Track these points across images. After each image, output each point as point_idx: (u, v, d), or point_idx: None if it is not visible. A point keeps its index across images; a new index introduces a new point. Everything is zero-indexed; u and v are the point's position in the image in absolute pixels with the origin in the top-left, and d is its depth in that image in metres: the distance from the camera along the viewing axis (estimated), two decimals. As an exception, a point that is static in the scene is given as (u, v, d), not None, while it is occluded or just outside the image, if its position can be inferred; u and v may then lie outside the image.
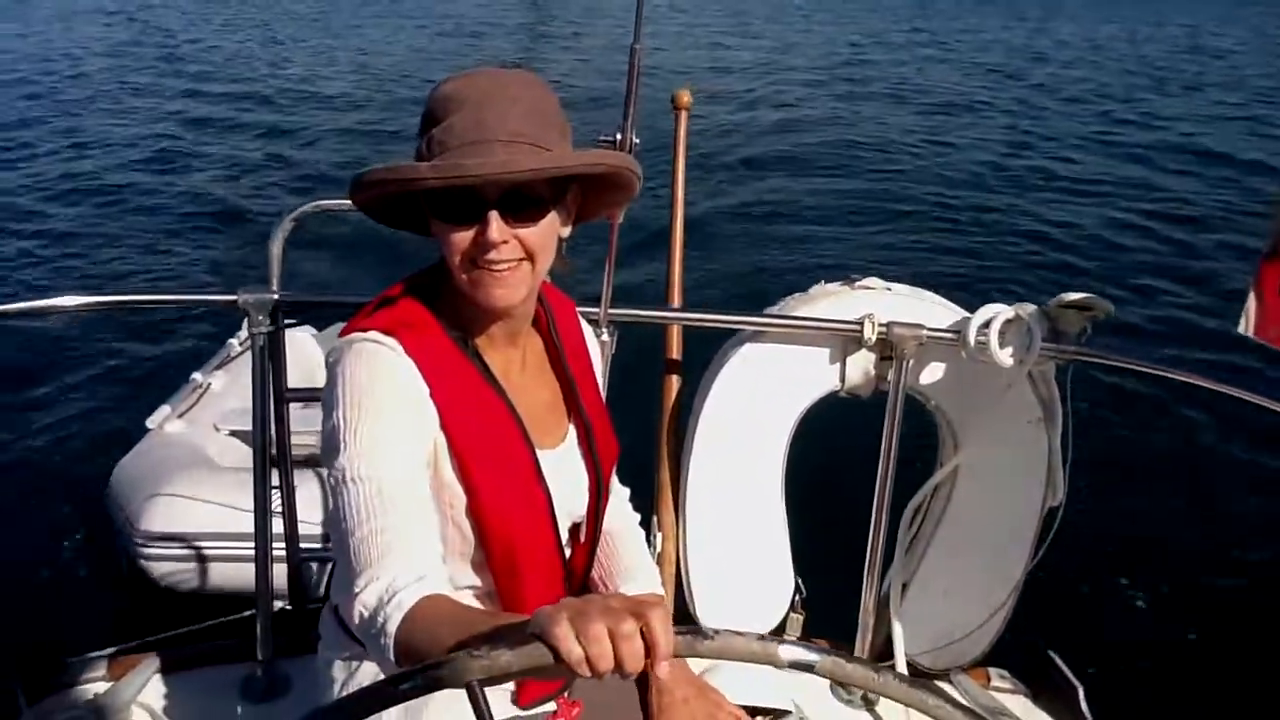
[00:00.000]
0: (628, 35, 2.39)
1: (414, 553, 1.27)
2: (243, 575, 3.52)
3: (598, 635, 0.88)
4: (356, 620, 1.24)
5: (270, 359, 2.38)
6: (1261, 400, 2.09)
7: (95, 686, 2.42)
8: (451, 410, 1.41)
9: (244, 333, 4.70)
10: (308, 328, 4.71)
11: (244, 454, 4.20)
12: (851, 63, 22.74)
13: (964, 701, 0.97)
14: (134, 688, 2.39)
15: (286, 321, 2.35)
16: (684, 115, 2.79)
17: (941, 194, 11.33)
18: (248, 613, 3.22)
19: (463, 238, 1.34)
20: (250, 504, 3.47)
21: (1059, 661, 2.62)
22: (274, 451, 2.49)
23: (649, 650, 0.89)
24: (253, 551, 2.59)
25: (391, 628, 1.17)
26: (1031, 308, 2.30)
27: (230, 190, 10.88)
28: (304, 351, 4.65)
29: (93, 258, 8.69)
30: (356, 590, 1.24)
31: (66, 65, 19.82)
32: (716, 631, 0.96)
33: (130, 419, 4.37)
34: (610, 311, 2.43)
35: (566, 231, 1.47)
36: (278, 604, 2.52)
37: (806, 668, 0.96)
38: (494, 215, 1.32)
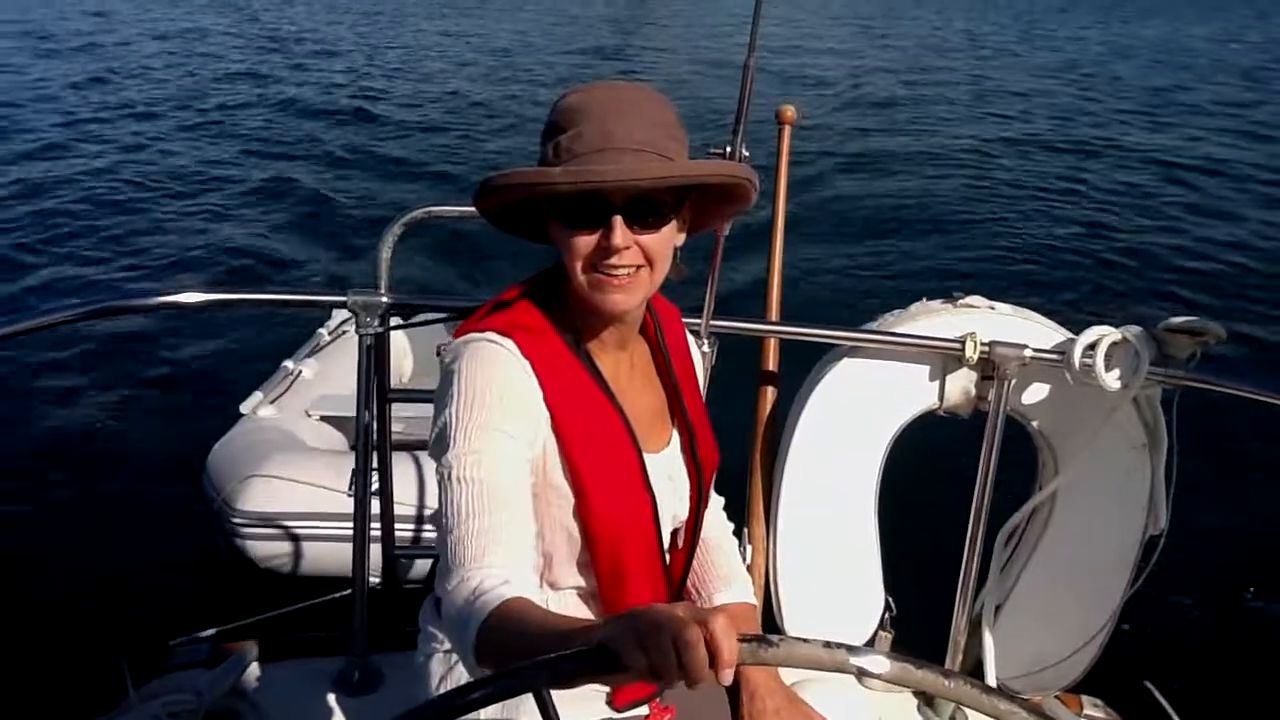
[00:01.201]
0: (732, 46, 2.40)
1: (506, 556, 1.30)
2: (335, 556, 3.62)
3: (662, 644, 0.90)
4: (447, 615, 1.28)
5: (377, 359, 2.44)
6: None
7: (196, 672, 2.50)
8: (563, 412, 1.44)
9: (333, 322, 4.84)
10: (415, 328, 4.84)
11: (335, 439, 4.33)
12: (957, 75, 22.43)
13: None
14: (233, 675, 2.47)
15: (394, 323, 2.42)
16: (787, 130, 2.80)
17: (1048, 211, 11.11)
18: (342, 593, 3.31)
19: (586, 242, 1.37)
20: (343, 485, 3.61)
21: (1155, 692, 2.56)
22: (375, 448, 2.55)
23: (713, 658, 0.90)
24: (346, 532, 2.65)
25: (474, 626, 1.20)
26: (1139, 330, 2.26)
27: (338, 190, 11.14)
28: (405, 349, 4.77)
29: (201, 253, 9.00)
30: (449, 587, 1.29)
31: (181, 59, 20.55)
32: (781, 638, 0.96)
33: (226, 406, 4.50)
34: (711, 323, 2.44)
35: (681, 239, 1.49)
36: (373, 590, 2.58)
37: (874, 674, 0.95)
38: (618, 221, 1.35)
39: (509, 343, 1.43)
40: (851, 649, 0.95)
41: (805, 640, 0.96)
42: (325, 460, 3.93)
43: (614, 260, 1.37)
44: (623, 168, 1.32)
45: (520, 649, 1.13)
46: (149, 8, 30.17)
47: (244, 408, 4.32)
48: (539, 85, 18.73)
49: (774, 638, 0.96)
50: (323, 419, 4.37)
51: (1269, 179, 12.87)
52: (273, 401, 4.37)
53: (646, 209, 1.37)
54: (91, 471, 5.29)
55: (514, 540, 1.33)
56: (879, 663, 0.96)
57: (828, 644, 0.95)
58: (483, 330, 1.45)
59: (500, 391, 1.39)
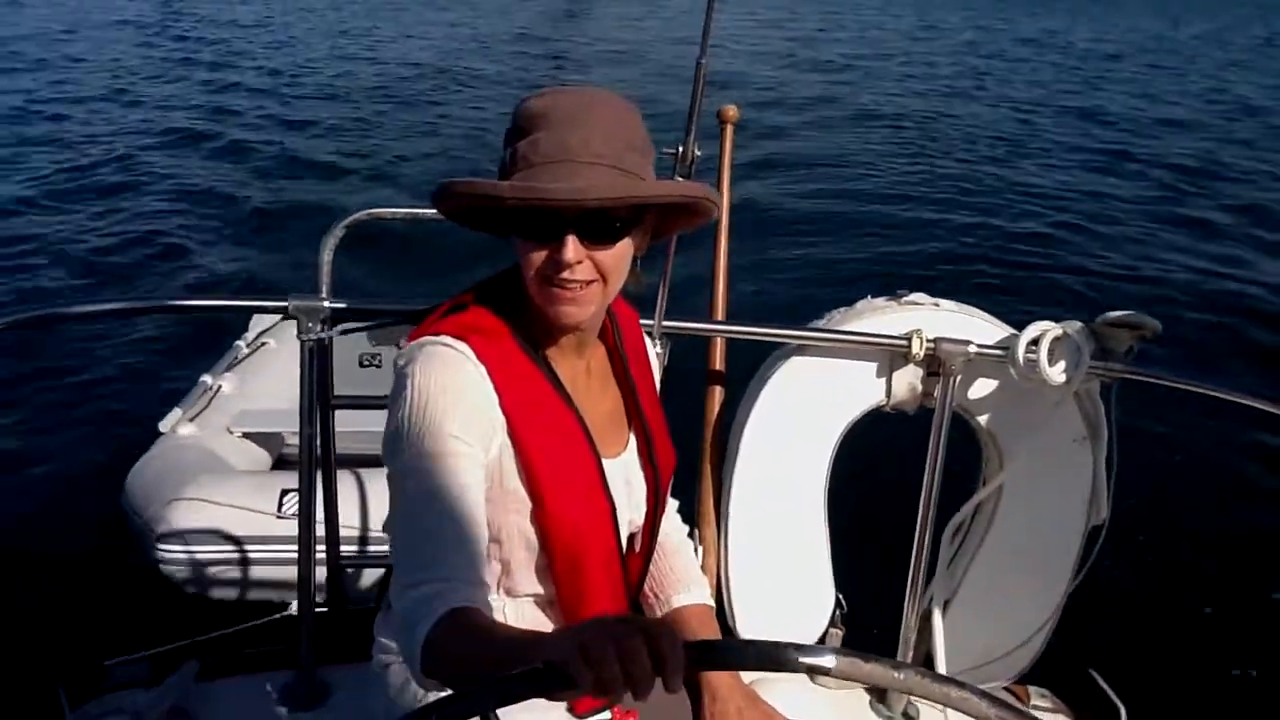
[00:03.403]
0: (684, 49, 2.40)
1: (456, 565, 1.28)
2: (266, 577, 3.53)
3: (607, 658, 0.89)
4: (395, 622, 1.27)
5: (319, 366, 2.41)
6: None
7: (136, 691, 2.44)
8: (520, 417, 1.43)
9: (251, 333, 4.71)
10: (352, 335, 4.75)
11: (260, 457, 4.20)
12: (899, 73, 22.66)
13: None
14: (175, 692, 2.41)
15: (338, 329, 2.38)
16: (730, 130, 2.80)
17: (991, 209, 11.25)
18: (284, 614, 3.24)
19: (538, 255, 1.36)
20: (271, 506, 3.52)
21: (1101, 681, 2.60)
22: (319, 456, 2.51)
23: (660, 667, 0.90)
24: (275, 554, 2.59)
25: (420, 634, 1.19)
26: (1079, 325, 2.29)
27: (277, 192, 10.99)
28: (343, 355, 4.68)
29: (130, 259, 8.79)
30: (396, 594, 1.28)
31: (108, 58, 20.16)
32: (728, 642, 0.98)
33: (143, 419, 4.36)
34: (664, 324, 2.44)
35: (642, 249, 1.48)
36: (318, 608, 2.54)
37: (823, 670, 0.96)
38: (571, 237, 1.33)
39: (464, 346, 1.41)
40: (799, 648, 0.96)
41: (752, 642, 0.96)
42: (251, 480, 3.80)
43: (566, 275, 1.36)
44: (571, 185, 1.30)
45: (467, 660, 1.13)
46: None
47: (163, 426, 4.14)
48: (484, 85, 18.65)
49: (720, 642, 0.96)
50: (245, 435, 4.20)
51: (1212, 173, 13.15)
52: (192, 419, 4.18)
53: (600, 224, 1.35)
54: (10, 491, 5.11)
55: (464, 548, 1.31)
56: (828, 659, 0.96)
57: (775, 644, 0.96)
58: (438, 333, 1.43)
59: (454, 397, 1.37)
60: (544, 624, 1.58)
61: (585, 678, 0.89)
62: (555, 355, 1.51)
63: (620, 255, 1.39)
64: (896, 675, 0.97)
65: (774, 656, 0.96)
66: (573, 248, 1.34)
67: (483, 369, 1.41)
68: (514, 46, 25.11)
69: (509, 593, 1.56)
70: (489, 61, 22.17)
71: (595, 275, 1.38)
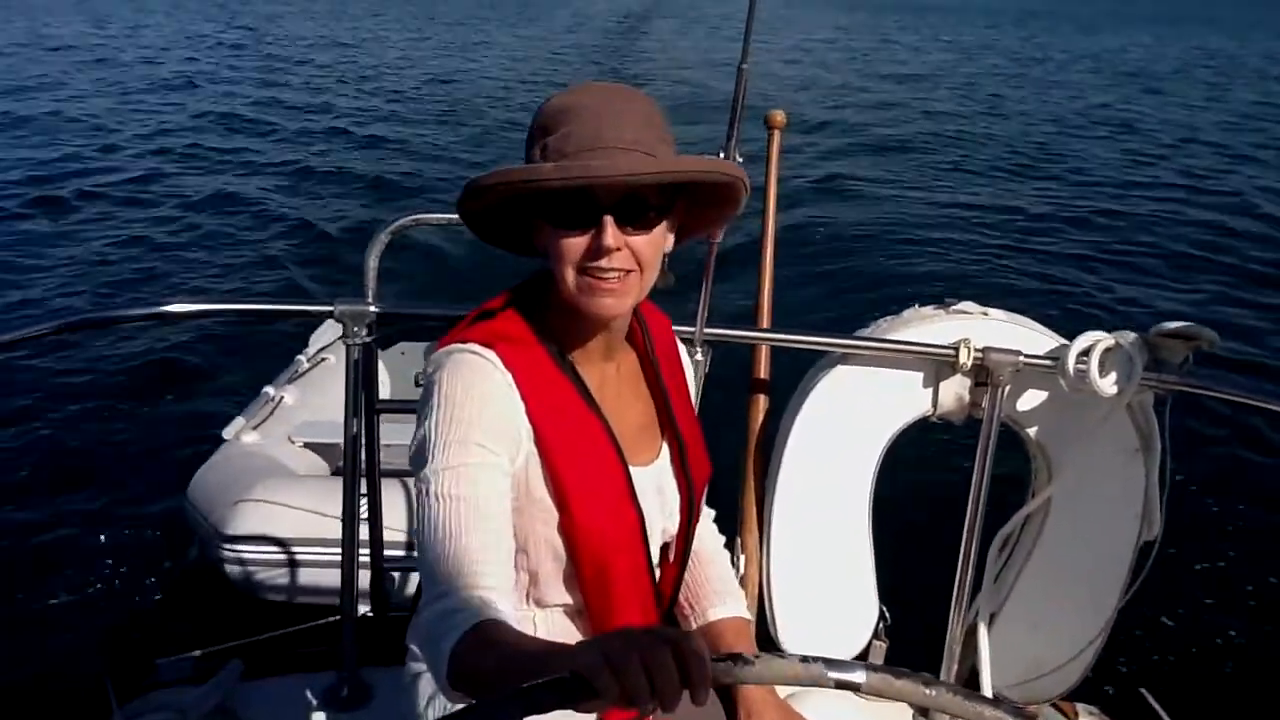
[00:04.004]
0: (727, 53, 2.38)
1: (483, 576, 1.28)
2: (322, 581, 3.60)
3: (633, 668, 0.88)
4: (421, 634, 1.26)
5: (364, 370, 2.42)
6: None
7: (182, 689, 2.47)
8: (546, 426, 1.41)
9: (312, 348, 4.89)
10: (402, 342, 4.82)
11: (319, 465, 4.36)
12: (951, 82, 22.52)
13: None
14: (220, 691, 2.43)
15: (383, 333, 2.39)
16: (777, 135, 2.77)
17: (1040, 217, 11.14)
18: (330, 619, 3.26)
19: (576, 244, 1.35)
20: (330, 510, 3.58)
21: (1151, 700, 2.55)
22: (364, 462, 2.52)
23: (687, 680, 0.89)
24: (333, 557, 2.60)
25: (446, 647, 1.19)
26: (1132, 336, 2.25)
27: (324, 201, 11.13)
28: (396, 365, 4.76)
29: (184, 266, 8.99)
30: (423, 605, 1.27)
31: (165, 68, 20.51)
32: (757, 655, 0.95)
33: (206, 425, 4.51)
34: (705, 331, 2.42)
35: (670, 245, 1.47)
36: (362, 610, 2.55)
37: (853, 686, 0.94)
38: (609, 220, 1.32)
39: (491, 354, 1.40)
40: (829, 662, 0.94)
41: (782, 656, 0.95)
42: (311, 485, 3.94)
43: (604, 262, 1.34)
44: (616, 164, 1.29)
45: (493, 673, 1.12)
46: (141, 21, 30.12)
47: (226, 433, 4.34)
48: (529, 95, 18.76)
49: (749, 655, 0.95)
50: (306, 445, 4.39)
51: (1260, 186, 12.92)
52: (255, 427, 4.38)
53: (637, 209, 1.34)
54: (72, 489, 5.25)
55: (491, 560, 1.31)
56: (859, 675, 0.94)
57: (804, 658, 0.94)
58: (465, 341, 1.42)
59: (481, 405, 1.37)
60: (573, 634, 1.56)
61: (611, 688, 0.88)
62: (583, 362, 1.50)
63: (656, 243, 1.39)
64: (928, 692, 0.95)
65: (804, 672, 0.94)
66: (612, 232, 1.33)
67: (509, 376, 1.40)
68: (571, 62, 25.26)
69: (538, 603, 1.54)
70: (543, 76, 22.32)
71: (633, 264, 1.37)
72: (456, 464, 1.33)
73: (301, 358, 4.90)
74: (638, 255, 1.36)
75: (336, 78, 21.46)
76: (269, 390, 4.65)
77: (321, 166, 12.87)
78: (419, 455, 1.37)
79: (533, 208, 1.38)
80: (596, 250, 1.34)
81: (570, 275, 1.37)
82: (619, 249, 1.34)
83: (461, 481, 1.32)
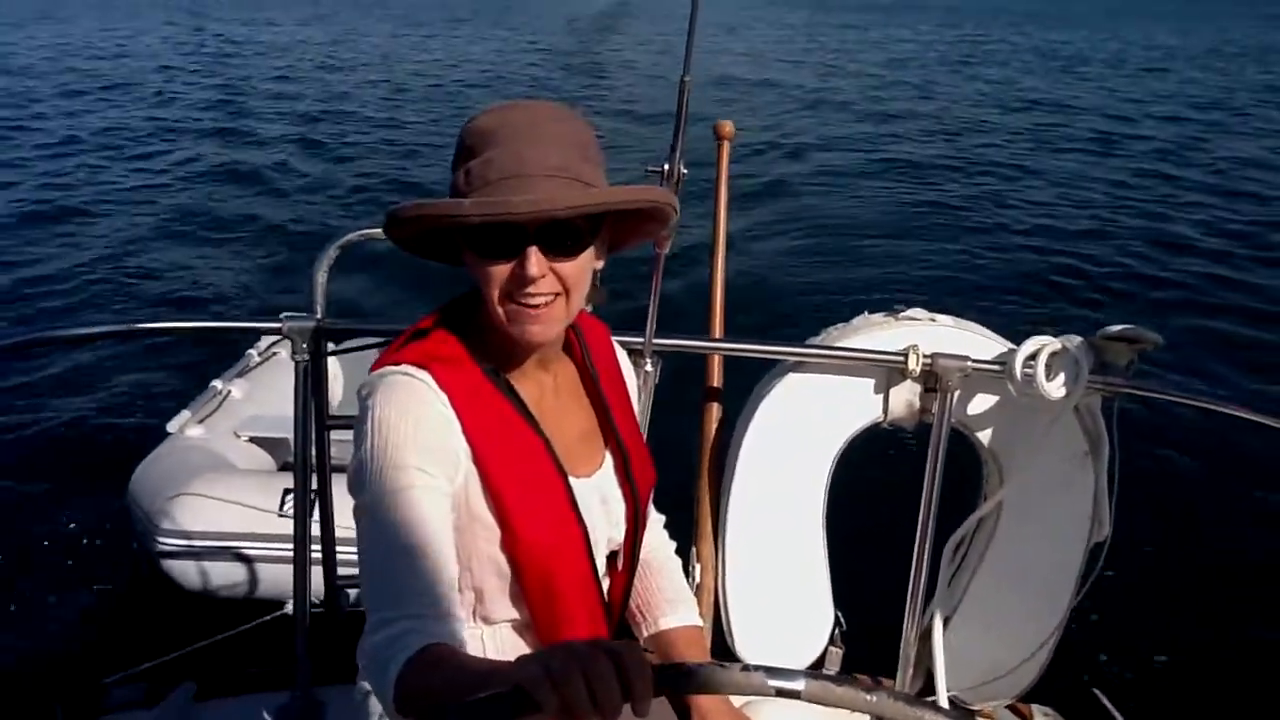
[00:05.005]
0: (676, 66, 2.39)
1: (423, 601, 1.27)
2: (268, 577, 3.56)
3: (574, 681, 0.89)
4: (364, 660, 1.26)
5: (314, 385, 2.39)
6: None
7: (134, 712, 2.43)
8: (483, 443, 1.41)
9: (264, 343, 4.78)
10: (355, 353, 4.78)
11: (263, 459, 4.28)
12: (894, 90, 22.74)
13: None
14: (173, 714, 2.40)
15: (330, 348, 2.38)
16: (726, 145, 2.79)
17: (986, 224, 11.27)
18: (278, 613, 3.22)
19: (500, 272, 1.34)
20: (274, 506, 3.54)
21: (1104, 699, 2.58)
22: (314, 476, 2.50)
23: (628, 691, 0.90)
24: (276, 553, 2.59)
25: (393, 672, 1.18)
26: (1078, 340, 2.28)
27: (275, 212, 11.04)
28: (357, 371, 4.71)
29: (131, 279, 8.85)
30: (368, 631, 1.27)
31: (106, 77, 20.25)
32: (698, 665, 0.96)
33: (151, 431, 4.43)
34: (654, 341, 2.42)
35: (600, 264, 1.46)
36: (315, 604, 2.52)
37: (793, 695, 0.95)
38: (533, 250, 1.32)
39: (425, 375, 1.39)
40: (770, 671, 0.95)
41: (723, 666, 0.96)
42: (256, 480, 3.87)
43: (530, 290, 1.34)
44: (535, 198, 1.28)
45: (438, 694, 1.12)
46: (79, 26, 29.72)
47: (171, 426, 4.23)
48: (479, 106, 18.70)
49: (691, 665, 0.95)
50: (252, 440, 4.29)
51: (1214, 187, 13.17)
52: (201, 421, 4.27)
53: (562, 236, 1.33)
54: (11, 506, 5.13)
55: (432, 583, 1.30)
56: (798, 683, 0.95)
57: (745, 667, 0.95)
58: (398, 363, 1.41)
59: (415, 428, 1.36)
60: (522, 649, 1.55)
61: (551, 701, 0.89)
62: (519, 377, 1.49)
63: (582, 267, 1.38)
64: (869, 698, 0.96)
65: (745, 681, 0.95)
66: (535, 261, 1.32)
67: (444, 397, 1.39)
68: (526, 71, 25.22)
69: (485, 620, 1.54)
70: (497, 85, 22.28)
71: (558, 289, 1.37)
72: (393, 489, 1.32)
73: (253, 352, 4.80)
74: (563, 280, 1.36)
75: (284, 76, 21.33)
76: (217, 384, 4.54)
77: (269, 178, 12.73)
78: (356, 481, 1.37)
79: (458, 235, 1.37)
80: (520, 279, 1.33)
81: (498, 302, 1.37)
82: (544, 276, 1.33)
83: (399, 506, 1.31)
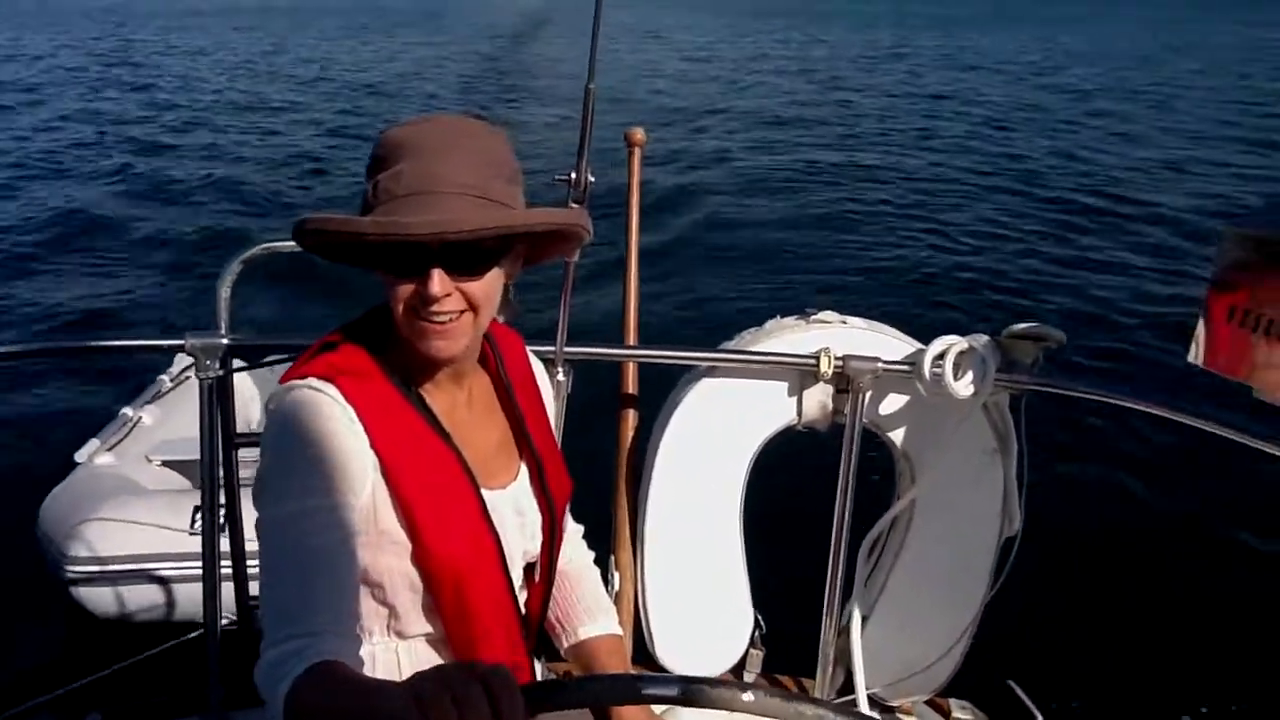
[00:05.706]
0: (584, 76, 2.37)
1: (321, 618, 1.26)
2: (178, 598, 3.49)
3: (443, 707, 0.89)
4: (259, 678, 1.23)
5: (219, 403, 2.34)
6: (1212, 427, 2.10)
7: None
8: (392, 457, 1.38)
9: (176, 367, 4.70)
10: (262, 369, 4.68)
11: (176, 482, 4.21)
12: (802, 97, 23.00)
13: None
14: None
15: (236, 365, 2.32)
16: (637, 153, 2.79)
17: (894, 228, 11.45)
18: (193, 634, 3.14)
19: (405, 289, 1.32)
20: (185, 525, 3.48)
21: (1019, 691, 2.62)
22: (222, 496, 2.44)
23: (498, 716, 0.90)
24: (188, 573, 2.53)
25: (283, 690, 1.17)
26: (985, 339, 2.32)
27: (180, 226, 10.78)
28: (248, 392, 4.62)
29: (25, 296, 8.57)
30: (264, 649, 1.25)
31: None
32: (570, 680, 0.97)
33: (58, 460, 4.30)
34: (566, 350, 2.41)
35: (514, 277, 1.45)
36: (225, 622, 2.47)
37: (667, 700, 0.97)
38: (436, 271, 1.30)
39: (331, 389, 1.37)
40: (639, 678, 0.98)
41: (594, 678, 0.97)
42: (168, 501, 3.81)
43: (434, 308, 1.32)
44: (436, 218, 1.26)
45: (323, 713, 1.13)
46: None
47: (79, 456, 4.15)
48: (395, 115, 18.54)
49: (558, 682, 0.97)
50: (165, 464, 4.23)
51: (1112, 189, 13.52)
52: (110, 449, 4.21)
53: (467, 256, 1.31)
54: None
55: (330, 600, 1.28)
56: (671, 689, 0.97)
57: (615, 677, 0.96)
58: (304, 376, 1.39)
59: (319, 444, 1.33)
60: (437, 663, 1.53)
61: None
62: (430, 389, 1.47)
63: (490, 285, 1.36)
64: (745, 697, 0.97)
65: (615, 691, 0.97)
66: (439, 281, 1.30)
67: (351, 411, 1.36)
68: (442, 80, 25.01)
69: (399, 635, 1.51)
70: (411, 95, 22.08)
71: (464, 306, 1.35)
72: (293, 508, 1.30)
73: (164, 377, 4.73)
74: (470, 298, 1.34)
75: (186, 83, 20.90)
76: (127, 411, 4.47)
77: (166, 188, 12.43)
78: (259, 496, 1.34)
79: (364, 249, 1.34)
80: (425, 298, 1.31)
81: (403, 317, 1.35)
82: (448, 294, 1.32)
83: (295, 524, 1.29)
